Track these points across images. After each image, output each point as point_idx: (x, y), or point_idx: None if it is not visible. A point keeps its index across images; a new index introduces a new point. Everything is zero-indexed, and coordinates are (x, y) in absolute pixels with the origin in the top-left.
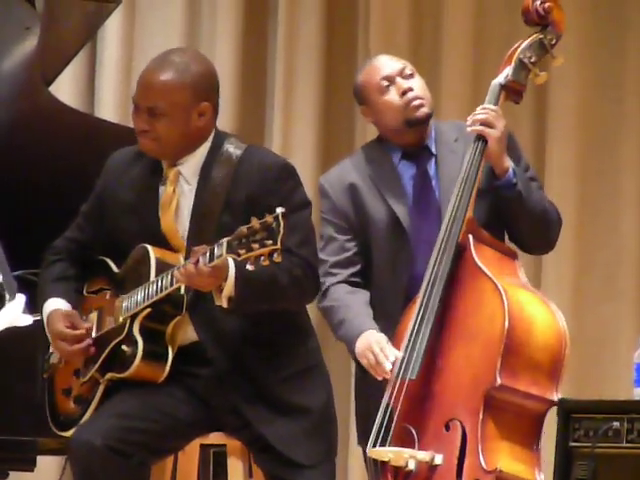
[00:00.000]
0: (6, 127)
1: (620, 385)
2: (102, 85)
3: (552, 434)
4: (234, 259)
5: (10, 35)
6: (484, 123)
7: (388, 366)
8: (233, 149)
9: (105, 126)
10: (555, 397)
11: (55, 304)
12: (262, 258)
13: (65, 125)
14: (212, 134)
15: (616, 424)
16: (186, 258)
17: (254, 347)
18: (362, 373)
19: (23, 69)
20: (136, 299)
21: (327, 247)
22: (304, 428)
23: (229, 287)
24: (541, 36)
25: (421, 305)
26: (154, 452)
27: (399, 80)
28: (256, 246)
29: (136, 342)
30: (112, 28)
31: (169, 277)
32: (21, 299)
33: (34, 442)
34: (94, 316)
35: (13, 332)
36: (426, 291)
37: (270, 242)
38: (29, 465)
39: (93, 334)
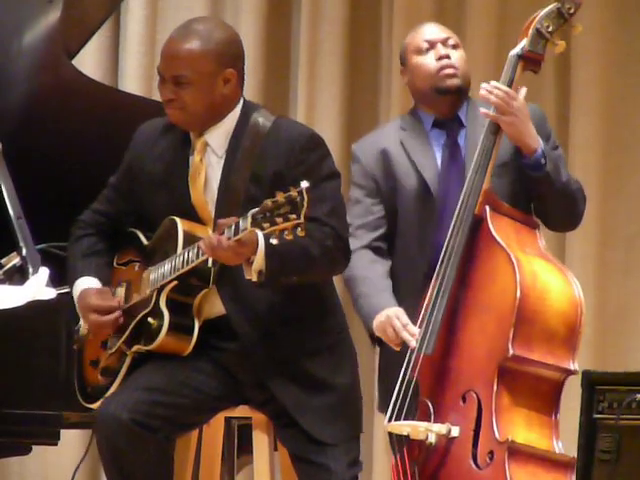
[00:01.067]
0: (29, 100)
1: None
2: (126, 58)
3: (576, 406)
4: (257, 231)
5: (33, 8)
6: (498, 107)
7: (414, 344)
8: (262, 121)
9: (129, 99)
10: (572, 366)
11: (87, 283)
12: (285, 232)
13: (88, 98)
14: (240, 104)
15: None
16: (214, 231)
17: (281, 321)
18: (382, 349)
19: (46, 42)
20: (163, 271)
21: (353, 209)
22: (330, 405)
23: (259, 261)
24: (559, 5)
25: (437, 278)
26: (180, 426)
27: (440, 46)
28: (280, 220)
29: (162, 315)
30: (136, 1)
31: (195, 249)
32: (44, 272)
33: (59, 416)
34: (122, 288)
35: (37, 305)
36: (442, 264)
37: (294, 216)
38: (53, 439)
39: (122, 303)
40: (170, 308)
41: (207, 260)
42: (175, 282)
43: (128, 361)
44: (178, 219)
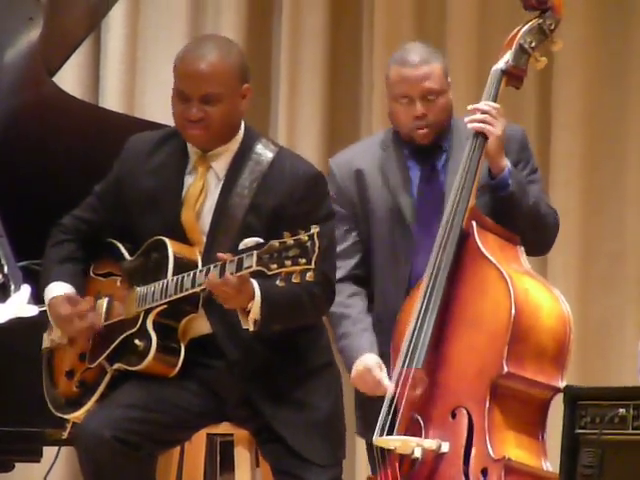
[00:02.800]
0: (10, 118)
1: (625, 373)
2: (106, 76)
3: (559, 421)
4: (264, 273)
5: (13, 26)
6: (485, 120)
7: (386, 382)
8: (264, 150)
9: (110, 116)
10: (561, 384)
11: (59, 288)
12: (293, 275)
13: (69, 115)
14: (242, 127)
15: (622, 411)
16: (205, 253)
17: (267, 342)
18: None
19: (26, 59)
20: (152, 294)
21: None
22: (314, 424)
23: (256, 309)
24: (540, 21)
25: (425, 294)
26: (161, 443)
27: (418, 103)
28: (288, 263)
29: (150, 338)
30: (116, 19)
31: (190, 277)
32: (26, 290)
33: (40, 433)
34: (103, 302)
35: (19, 323)
36: (430, 279)
37: (304, 261)
38: (35, 456)
39: (102, 321)
40: (157, 331)
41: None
42: (164, 306)
43: (108, 377)
44: (168, 240)
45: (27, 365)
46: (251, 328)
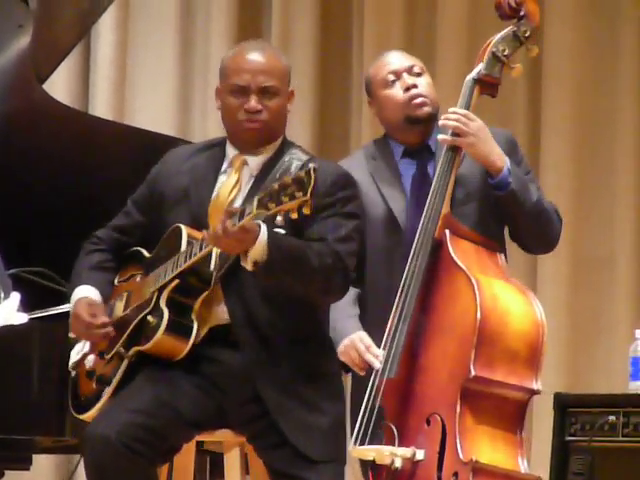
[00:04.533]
0: (0, 126)
1: (615, 379)
2: (96, 82)
3: (548, 428)
4: (264, 214)
5: (3, 33)
6: (454, 132)
7: (377, 365)
8: (298, 154)
9: (99, 123)
10: (535, 386)
11: (85, 291)
12: (291, 212)
13: (59, 122)
14: (281, 138)
15: (612, 418)
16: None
17: (283, 340)
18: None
19: (16, 67)
20: (165, 272)
21: None
22: (320, 426)
23: (258, 249)
24: (515, 28)
25: (398, 303)
26: (161, 452)
27: (405, 76)
28: (286, 199)
29: (162, 313)
30: (106, 26)
31: (198, 243)
32: (16, 297)
33: (30, 441)
34: (122, 300)
35: (8, 330)
36: (403, 289)
37: (300, 194)
38: (25, 464)
39: (120, 312)
40: (170, 307)
41: (210, 258)
42: (177, 281)
43: (125, 364)
44: (182, 225)
45: (17, 372)
46: (249, 267)
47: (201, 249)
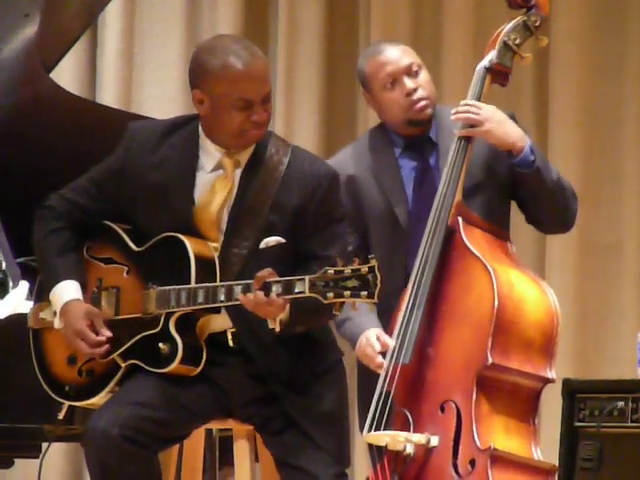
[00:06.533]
0: (7, 115)
1: (623, 365)
2: (103, 71)
3: (557, 414)
4: (318, 299)
5: (10, 23)
6: (468, 124)
7: (379, 359)
8: (278, 147)
9: (107, 112)
10: (549, 374)
11: (72, 291)
12: (350, 305)
13: (66, 111)
14: None
15: (621, 404)
16: (223, 250)
17: (285, 341)
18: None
19: (23, 56)
20: (177, 297)
21: None
22: (325, 415)
23: (285, 312)
24: (525, 18)
25: (412, 290)
26: (165, 441)
27: (405, 79)
28: (347, 293)
29: (175, 342)
30: (113, 15)
31: (224, 290)
32: (24, 286)
33: (39, 429)
34: (111, 295)
35: (17, 319)
36: (416, 276)
37: (365, 294)
38: (35, 452)
39: (111, 312)
40: (179, 332)
41: None
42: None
43: (121, 373)
44: (184, 238)
45: (25, 361)
46: (277, 328)
47: (228, 299)
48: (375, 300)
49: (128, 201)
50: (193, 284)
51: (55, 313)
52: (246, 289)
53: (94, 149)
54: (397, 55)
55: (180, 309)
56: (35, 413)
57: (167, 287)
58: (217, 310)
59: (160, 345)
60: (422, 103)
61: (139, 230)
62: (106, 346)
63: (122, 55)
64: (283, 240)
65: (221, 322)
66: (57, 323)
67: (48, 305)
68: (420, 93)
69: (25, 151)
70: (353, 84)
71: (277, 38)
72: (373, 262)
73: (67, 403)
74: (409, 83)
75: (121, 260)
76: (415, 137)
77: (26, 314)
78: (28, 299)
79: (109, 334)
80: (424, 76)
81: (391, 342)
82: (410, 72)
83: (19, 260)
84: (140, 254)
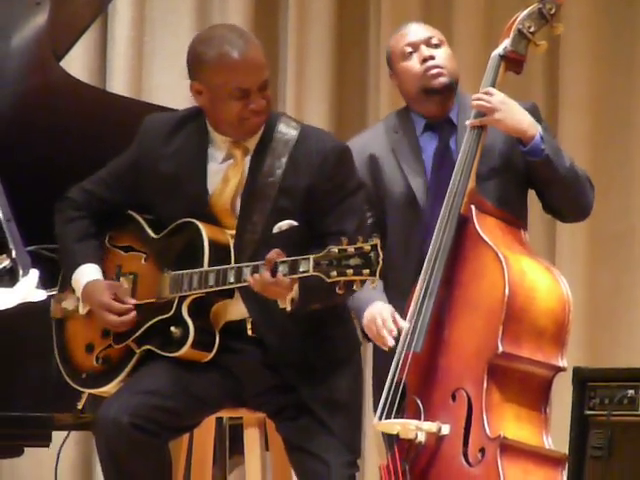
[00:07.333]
0: (18, 103)
1: (634, 353)
2: (113, 60)
3: (567, 402)
4: (322, 278)
5: (21, 11)
6: (481, 112)
7: (390, 342)
8: (287, 129)
9: (117, 100)
10: (561, 363)
11: (92, 272)
12: (354, 284)
13: (77, 100)
14: None
15: (631, 392)
16: (237, 235)
17: (302, 329)
18: (375, 347)
19: (33, 45)
20: (189, 281)
21: None
22: (340, 403)
23: (295, 291)
24: (540, 6)
25: (425, 278)
26: (177, 430)
27: (423, 48)
28: (350, 272)
29: (187, 326)
30: (123, 3)
31: (234, 272)
32: (35, 274)
33: (50, 418)
34: (129, 281)
35: (27, 307)
36: (429, 264)
37: (367, 272)
38: (45, 441)
39: (128, 297)
40: (192, 317)
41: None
42: (201, 294)
43: (136, 358)
44: (200, 224)
45: (36, 350)
46: (288, 308)
47: (237, 281)
48: (377, 278)
49: (145, 192)
50: (206, 267)
51: (79, 299)
52: (255, 270)
53: (104, 137)
54: (418, 28)
55: (192, 292)
56: (45, 402)
57: (180, 271)
58: (230, 294)
59: (172, 329)
60: (436, 70)
61: (159, 220)
62: (134, 313)
63: (132, 44)
64: (296, 223)
65: (238, 310)
66: (82, 308)
67: (69, 294)
68: (435, 61)
69: (35, 139)
70: (363, 73)
71: (287, 27)
72: (376, 240)
73: (86, 391)
74: (426, 51)
75: (140, 248)
76: (436, 118)
77: (37, 302)
78: (38, 287)
79: (134, 301)
80: (445, 50)
81: (405, 325)
82: (429, 43)
83: (29, 248)
84: (157, 241)
